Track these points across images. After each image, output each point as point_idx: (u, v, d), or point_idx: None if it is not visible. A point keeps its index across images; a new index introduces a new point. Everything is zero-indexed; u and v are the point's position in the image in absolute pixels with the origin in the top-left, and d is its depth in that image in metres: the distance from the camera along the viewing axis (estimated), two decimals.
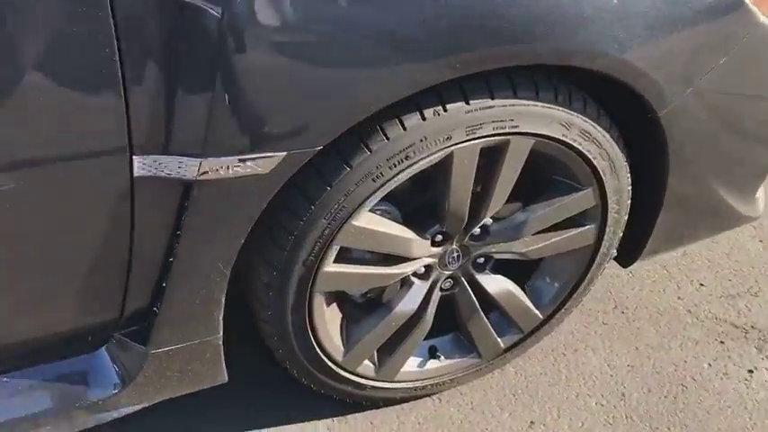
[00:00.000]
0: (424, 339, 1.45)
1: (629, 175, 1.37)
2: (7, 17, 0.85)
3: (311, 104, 1.02)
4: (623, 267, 1.60)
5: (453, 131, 1.14)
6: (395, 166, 1.14)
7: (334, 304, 1.35)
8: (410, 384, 1.49)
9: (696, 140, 1.36)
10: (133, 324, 1.18)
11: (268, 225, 1.15)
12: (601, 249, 1.46)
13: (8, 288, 1.05)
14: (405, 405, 1.53)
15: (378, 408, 1.52)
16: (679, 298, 1.81)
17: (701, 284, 1.85)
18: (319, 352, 1.34)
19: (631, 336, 1.71)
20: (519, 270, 1.47)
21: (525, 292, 1.50)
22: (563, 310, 1.55)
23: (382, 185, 1.15)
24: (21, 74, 0.87)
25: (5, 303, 1.06)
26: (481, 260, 1.40)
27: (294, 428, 1.48)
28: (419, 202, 1.31)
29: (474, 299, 1.43)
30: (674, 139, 1.32)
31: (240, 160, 1.01)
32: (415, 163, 1.16)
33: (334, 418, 1.50)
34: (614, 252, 1.51)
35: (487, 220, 1.33)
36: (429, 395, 1.55)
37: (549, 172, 1.33)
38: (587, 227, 1.42)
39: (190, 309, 1.16)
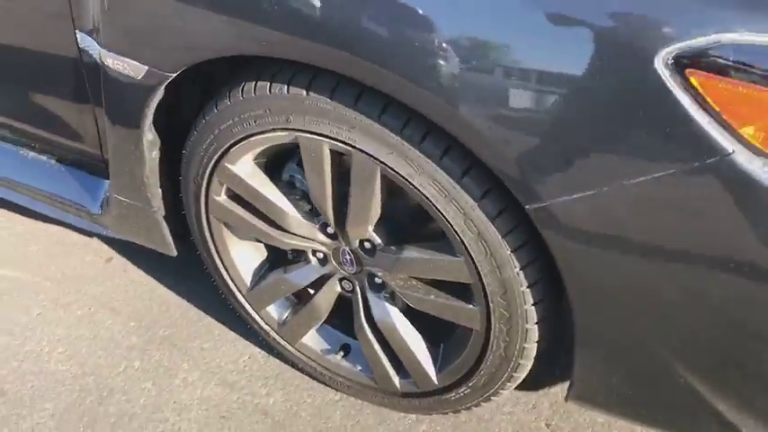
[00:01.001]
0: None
1: (518, 270, 1.12)
2: None
3: (164, 36, 1.19)
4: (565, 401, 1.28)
5: (292, 115, 1.16)
6: (247, 126, 1.22)
7: (249, 241, 1.47)
8: (309, 361, 1.52)
9: (593, 263, 1.03)
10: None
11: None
12: (490, 346, 1.23)
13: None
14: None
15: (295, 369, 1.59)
16: None
17: None
18: (225, 274, 1.50)
19: None
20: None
21: (441, 349, 1.36)
22: (461, 394, 1.34)
23: (243, 140, 1.24)
24: None
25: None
26: (379, 280, 1.33)
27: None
28: None
29: (362, 314, 1.38)
30: (558, 249, 1.04)
31: (119, 60, 1.25)
32: (264, 132, 1.21)
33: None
34: (525, 363, 1.24)
35: (375, 239, 1.27)
36: (330, 387, 1.55)
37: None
38: (470, 306, 1.21)
39: (130, 179, 1.45)
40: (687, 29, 0.86)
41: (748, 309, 0.99)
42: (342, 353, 1.48)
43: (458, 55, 0.95)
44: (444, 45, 0.95)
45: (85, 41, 1.31)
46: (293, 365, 1.58)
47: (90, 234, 1.90)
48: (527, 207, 1.01)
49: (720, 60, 0.85)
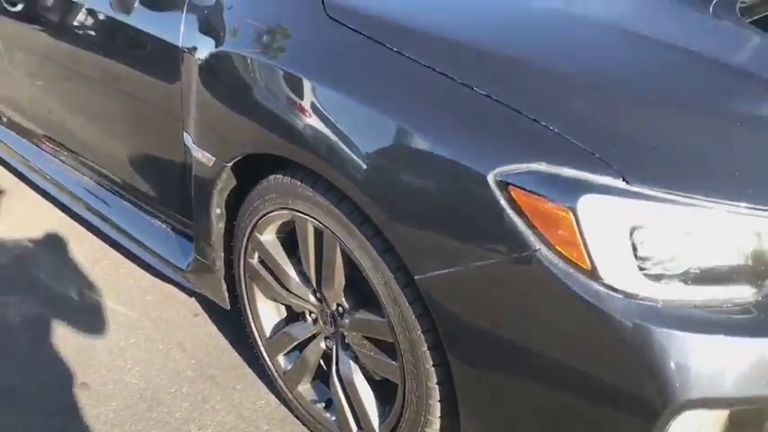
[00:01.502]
0: None
1: (419, 333, 1.45)
2: None
3: (222, 136, 1.74)
4: None
5: (290, 198, 1.63)
6: (267, 205, 1.70)
7: (272, 301, 1.91)
8: (300, 408, 1.89)
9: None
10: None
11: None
12: (406, 401, 1.54)
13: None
14: None
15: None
16: None
17: None
18: (252, 324, 1.94)
19: None
20: None
21: (386, 407, 1.68)
22: None
23: (265, 215, 1.73)
24: None
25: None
26: (347, 340, 1.71)
27: None
28: None
29: (334, 369, 1.74)
30: (437, 317, 1.38)
31: (200, 152, 1.82)
32: (276, 210, 1.69)
33: None
34: (432, 419, 1.53)
35: (344, 303, 1.67)
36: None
37: None
38: (393, 363, 1.55)
39: (204, 243, 1.98)
40: (511, 158, 1.23)
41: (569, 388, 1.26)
42: (324, 404, 1.84)
43: (370, 178, 1.38)
44: (361, 164, 1.39)
45: (188, 140, 1.90)
46: (292, 411, 1.96)
47: (190, 293, 2.44)
48: (416, 278, 1.38)
49: (531, 182, 1.21)
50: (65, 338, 2.29)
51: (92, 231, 2.71)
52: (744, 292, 1.18)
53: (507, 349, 1.29)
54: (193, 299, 2.46)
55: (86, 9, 2.13)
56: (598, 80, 1.36)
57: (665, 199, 1.16)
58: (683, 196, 1.16)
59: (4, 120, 3.00)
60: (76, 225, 2.78)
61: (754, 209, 1.16)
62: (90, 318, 2.37)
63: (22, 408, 2.03)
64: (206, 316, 2.39)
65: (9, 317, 2.39)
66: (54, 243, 2.78)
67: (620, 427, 1.23)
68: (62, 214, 2.85)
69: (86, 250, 2.69)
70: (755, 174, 1.22)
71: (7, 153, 3.00)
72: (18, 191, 3.10)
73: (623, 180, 1.17)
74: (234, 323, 2.11)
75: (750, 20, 1.51)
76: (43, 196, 2.95)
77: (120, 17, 1.99)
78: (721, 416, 1.20)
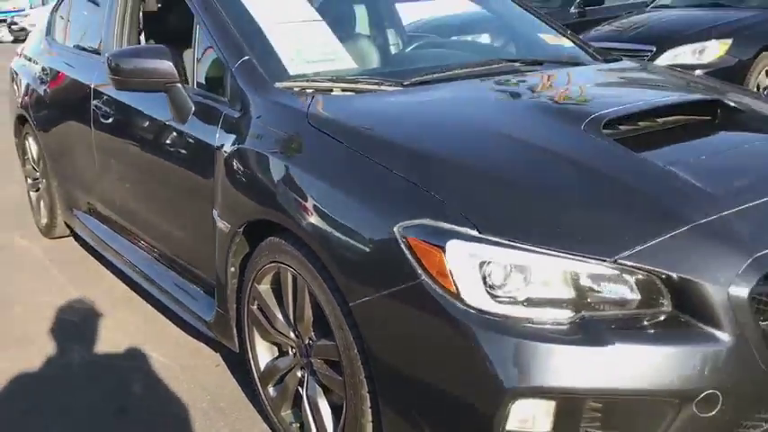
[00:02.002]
0: None
1: (356, 351, 1.95)
2: None
3: (233, 207, 2.35)
4: None
5: (278, 254, 2.20)
6: (263, 260, 2.28)
7: (267, 342, 2.44)
8: (282, 429, 2.38)
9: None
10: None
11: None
12: (348, 411, 2.02)
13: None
14: None
15: None
16: None
17: None
18: (251, 362, 2.47)
19: None
20: None
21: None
22: None
23: (261, 269, 2.30)
24: None
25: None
26: (314, 367, 2.21)
27: None
28: None
29: (304, 392, 2.24)
30: (365, 337, 1.89)
31: (221, 222, 2.43)
32: (268, 264, 2.26)
33: None
34: (365, 423, 2.00)
35: (313, 336, 2.19)
36: None
37: None
38: (339, 378, 2.05)
39: (222, 296, 2.55)
40: (409, 216, 1.78)
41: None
42: (299, 425, 2.32)
43: (324, 236, 1.95)
44: (319, 225, 1.96)
45: (215, 214, 2.51)
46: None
47: (215, 349, 2.99)
48: (350, 305, 1.91)
49: (420, 231, 1.75)
50: (113, 373, 2.86)
51: (140, 295, 3.35)
52: (563, 315, 1.65)
53: (405, 350, 1.79)
54: (217, 353, 3.00)
55: (153, 120, 2.84)
56: (478, 169, 1.91)
57: (505, 244, 1.67)
58: (518, 243, 1.67)
59: (87, 207, 3.75)
60: (128, 290, 3.44)
61: (569, 254, 1.66)
62: (134, 361, 2.95)
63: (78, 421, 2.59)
64: (224, 365, 2.93)
65: (72, 357, 3.00)
66: (110, 304, 3.43)
67: (480, 413, 1.68)
68: (116, 279, 3.53)
69: (136, 309, 3.32)
70: (570, 230, 1.72)
71: (87, 235, 3.73)
72: (88, 262, 3.82)
73: (477, 230, 1.69)
74: (243, 371, 2.62)
75: (608, 134, 2.05)
76: (107, 267, 3.65)
77: (178, 126, 2.68)
78: (550, 405, 1.65)
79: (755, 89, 6.75)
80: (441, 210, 1.76)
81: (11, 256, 4.22)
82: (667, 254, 1.67)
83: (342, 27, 2.90)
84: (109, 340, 3.13)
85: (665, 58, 6.78)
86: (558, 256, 1.66)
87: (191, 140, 2.61)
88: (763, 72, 6.81)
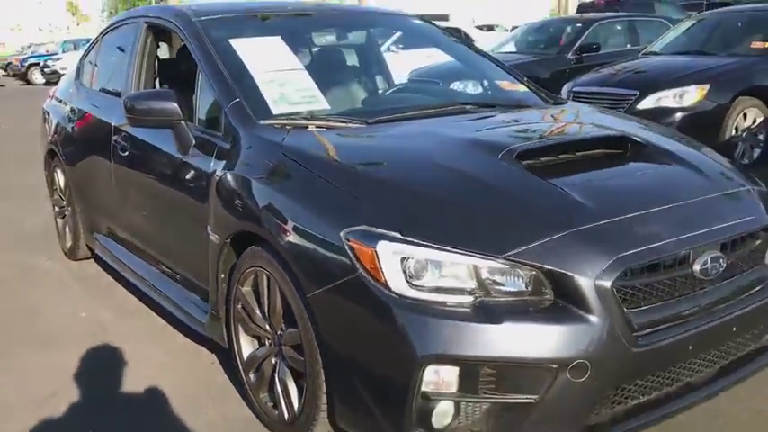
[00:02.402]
0: None
1: (313, 334, 2.42)
2: None
3: (221, 221, 2.85)
4: None
5: (257, 260, 2.68)
6: (246, 264, 2.76)
7: (249, 337, 2.91)
8: (260, 408, 2.83)
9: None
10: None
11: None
12: (308, 386, 2.48)
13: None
14: None
15: None
16: None
17: None
18: (236, 354, 2.93)
19: None
20: None
21: None
22: (302, 421, 2.54)
23: (244, 272, 2.78)
24: None
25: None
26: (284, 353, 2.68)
27: None
28: None
29: (276, 375, 2.70)
30: (317, 324, 2.37)
31: (213, 235, 2.93)
32: (249, 268, 2.74)
33: None
34: (321, 395, 2.45)
35: (284, 327, 2.65)
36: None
37: None
38: (302, 358, 2.51)
39: (214, 300, 3.04)
40: (351, 224, 2.27)
41: None
42: (273, 405, 2.78)
43: (288, 242, 2.44)
44: (285, 234, 2.46)
45: (209, 229, 3.00)
46: (258, 415, 2.88)
47: (211, 349, 3.46)
48: (307, 297, 2.38)
49: (358, 235, 2.23)
50: (124, 367, 3.35)
51: (150, 307, 3.85)
52: (466, 299, 2.11)
53: (347, 330, 2.26)
54: (213, 354, 3.47)
55: (161, 152, 3.36)
56: (406, 187, 2.40)
57: (421, 244, 2.14)
58: (432, 243, 2.14)
59: (106, 230, 4.28)
60: (140, 303, 3.94)
61: (470, 252, 2.12)
62: (142, 359, 3.44)
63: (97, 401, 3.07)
64: (218, 363, 3.39)
65: (89, 354, 3.50)
66: (123, 314, 3.92)
67: (402, 378, 2.13)
68: (129, 294, 4.03)
69: (145, 318, 3.81)
70: (473, 234, 2.19)
71: (106, 255, 4.25)
72: (105, 280, 4.33)
73: (400, 233, 2.17)
74: (233, 368, 3.08)
75: (526, 163, 2.53)
76: (120, 283, 4.16)
77: (181, 157, 3.20)
78: (455, 370, 2.10)
79: (735, 131, 7.22)
80: (374, 218, 2.24)
81: (38, 275, 4.74)
82: (549, 253, 2.13)
83: (322, 74, 3.41)
84: (121, 343, 3.62)
85: (648, 102, 7.27)
86: (462, 254, 2.13)
87: (191, 169, 3.13)
88: (741, 115, 7.27)
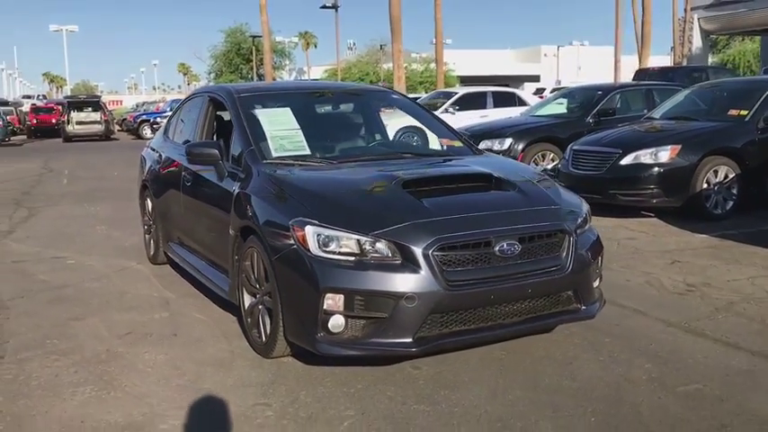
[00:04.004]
0: None
1: (276, 285, 4.11)
2: None
3: (234, 222, 4.61)
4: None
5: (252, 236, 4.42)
6: (245, 246, 4.49)
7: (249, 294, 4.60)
8: (255, 339, 4.51)
9: None
10: None
11: None
12: (274, 316, 4.17)
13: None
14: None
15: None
16: None
17: None
18: (241, 305, 4.64)
19: None
20: None
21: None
22: (276, 344, 4.22)
23: (245, 251, 4.51)
24: None
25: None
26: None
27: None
28: None
29: (260, 314, 4.39)
30: (275, 276, 4.08)
31: (231, 230, 4.69)
32: (248, 248, 4.47)
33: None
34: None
35: (264, 284, 4.35)
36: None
37: None
38: (271, 299, 4.20)
39: (231, 270, 4.78)
40: (295, 216, 3.97)
41: None
42: (258, 335, 4.45)
43: (263, 230, 4.17)
44: (263, 226, 4.19)
45: (229, 228, 4.75)
46: (252, 344, 4.55)
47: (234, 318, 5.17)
48: (272, 260, 4.07)
49: (298, 224, 3.93)
50: (180, 324, 5.11)
51: (203, 293, 5.63)
52: (352, 258, 3.74)
53: (289, 278, 3.93)
54: (235, 317, 5.18)
55: (208, 182, 5.17)
56: (327, 197, 4.08)
57: (328, 227, 3.80)
58: (334, 227, 3.80)
59: (177, 239, 6.13)
60: (196, 290, 5.73)
61: (353, 231, 3.76)
62: (191, 320, 5.20)
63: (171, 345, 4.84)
64: (236, 321, 5.09)
65: (160, 316, 5.29)
66: (183, 296, 5.72)
67: (314, 302, 3.76)
68: (189, 284, 5.84)
69: (198, 299, 5.60)
70: (357, 221, 3.82)
71: (176, 257, 6.11)
72: (175, 276, 6.17)
73: (317, 220, 3.84)
74: (242, 322, 4.78)
75: (409, 189, 4.17)
76: (184, 278, 5.99)
77: (219, 183, 5.00)
78: (341, 297, 3.72)
79: (706, 184, 8.51)
80: (306, 213, 3.93)
81: (129, 273, 6.63)
82: (398, 233, 3.75)
83: (314, 131, 5.17)
84: (176, 310, 5.39)
85: (629, 159, 8.69)
86: (349, 233, 3.77)
87: (223, 190, 4.91)
88: (711, 171, 8.57)
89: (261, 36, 44.81)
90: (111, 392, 3.91)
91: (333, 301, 3.73)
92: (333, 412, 3.59)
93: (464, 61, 58.54)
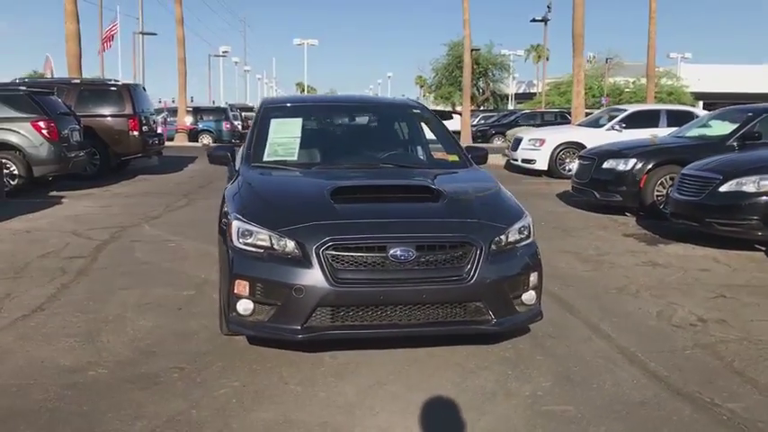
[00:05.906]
0: None
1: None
2: None
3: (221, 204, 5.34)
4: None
5: None
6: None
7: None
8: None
9: None
10: None
11: None
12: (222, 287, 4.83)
13: None
14: None
15: None
16: None
17: None
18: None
19: None
20: None
21: None
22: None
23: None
24: None
25: None
26: None
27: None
28: None
29: None
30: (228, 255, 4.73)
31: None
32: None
33: None
34: None
35: None
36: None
37: None
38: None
39: None
40: (235, 211, 4.60)
41: None
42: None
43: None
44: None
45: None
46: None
47: None
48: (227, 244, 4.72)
49: (233, 218, 4.56)
50: (208, 293, 5.96)
51: None
52: (262, 250, 4.27)
53: (222, 261, 4.56)
54: None
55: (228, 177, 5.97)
56: (264, 196, 4.62)
57: (249, 222, 4.36)
58: (252, 223, 4.35)
59: None
60: None
61: (265, 228, 4.28)
62: (214, 297, 6.02)
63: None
64: None
65: (205, 282, 6.18)
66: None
67: (228, 284, 4.33)
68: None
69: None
70: (272, 220, 4.33)
71: None
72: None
73: (244, 216, 4.42)
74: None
75: (330, 191, 4.59)
76: None
77: (228, 179, 5.76)
78: (247, 282, 4.26)
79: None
80: (239, 209, 4.53)
81: (210, 257, 7.65)
82: (299, 232, 4.21)
83: (312, 141, 5.75)
84: (209, 288, 6.23)
85: (729, 186, 8.20)
86: (262, 228, 4.30)
87: (227, 185, 5.66)
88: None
89: (479, 49, 45.64)
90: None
91: (241, 286, 4.29)
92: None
93: (707, 76, 55.01)
